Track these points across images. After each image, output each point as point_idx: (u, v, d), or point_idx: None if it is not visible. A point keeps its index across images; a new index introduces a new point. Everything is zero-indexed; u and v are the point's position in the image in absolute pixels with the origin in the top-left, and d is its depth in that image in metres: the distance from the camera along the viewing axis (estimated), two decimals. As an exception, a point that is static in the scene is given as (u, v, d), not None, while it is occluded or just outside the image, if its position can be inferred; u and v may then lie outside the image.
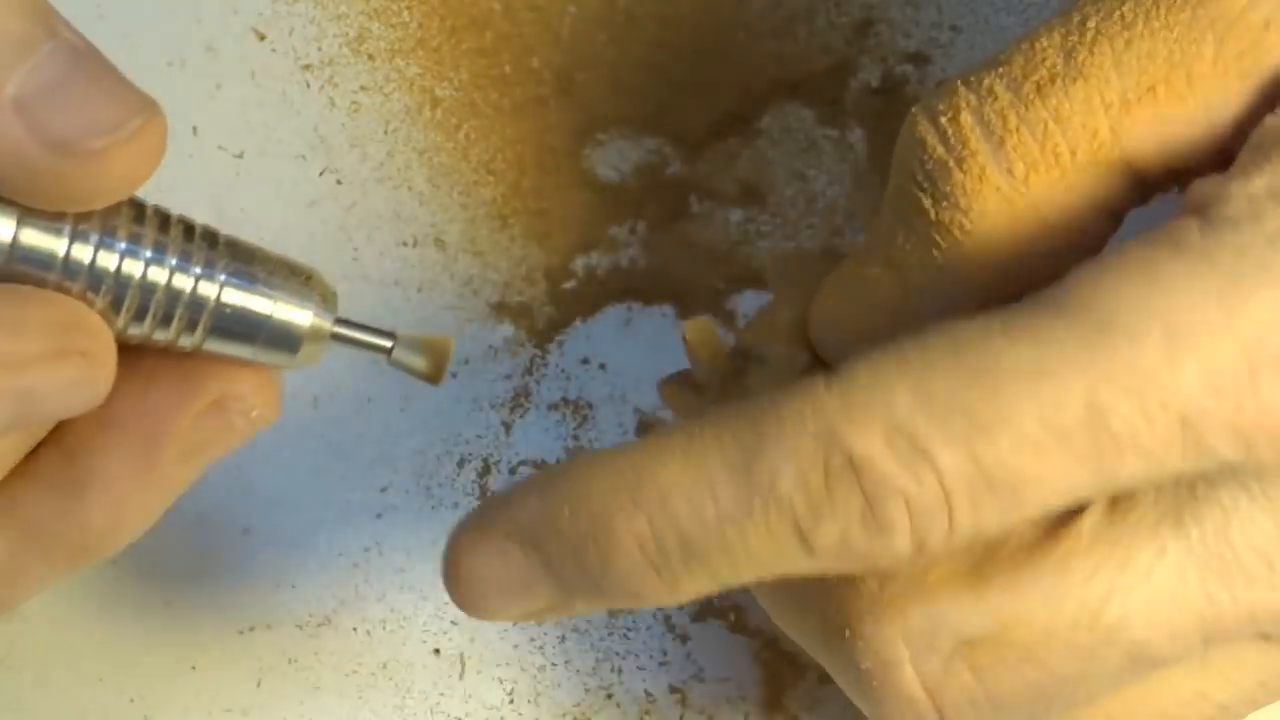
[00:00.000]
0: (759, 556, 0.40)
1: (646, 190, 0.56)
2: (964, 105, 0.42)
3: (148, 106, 0.39)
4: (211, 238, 0.41)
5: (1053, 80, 0.42)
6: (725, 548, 0.40)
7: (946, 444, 0.39)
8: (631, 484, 0.41)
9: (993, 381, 0.39)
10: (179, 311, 0.41)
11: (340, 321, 0.43)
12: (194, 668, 0.53)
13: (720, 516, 0.40)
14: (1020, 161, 0.42)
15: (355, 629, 0.53)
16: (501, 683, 0.53)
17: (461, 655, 0.53)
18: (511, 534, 0.42)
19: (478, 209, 0.56)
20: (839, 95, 0.57)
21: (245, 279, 0.42)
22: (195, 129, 0.57)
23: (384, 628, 0.53)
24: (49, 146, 0.38)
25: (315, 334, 0.42)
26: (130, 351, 0.41)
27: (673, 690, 0.53)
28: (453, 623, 0.53)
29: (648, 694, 0.53)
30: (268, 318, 0.42)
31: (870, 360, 0.40)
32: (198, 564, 0.54)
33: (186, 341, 0.41)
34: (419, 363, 0.44)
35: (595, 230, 0.56)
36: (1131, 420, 0.38)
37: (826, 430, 0.39)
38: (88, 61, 0.39)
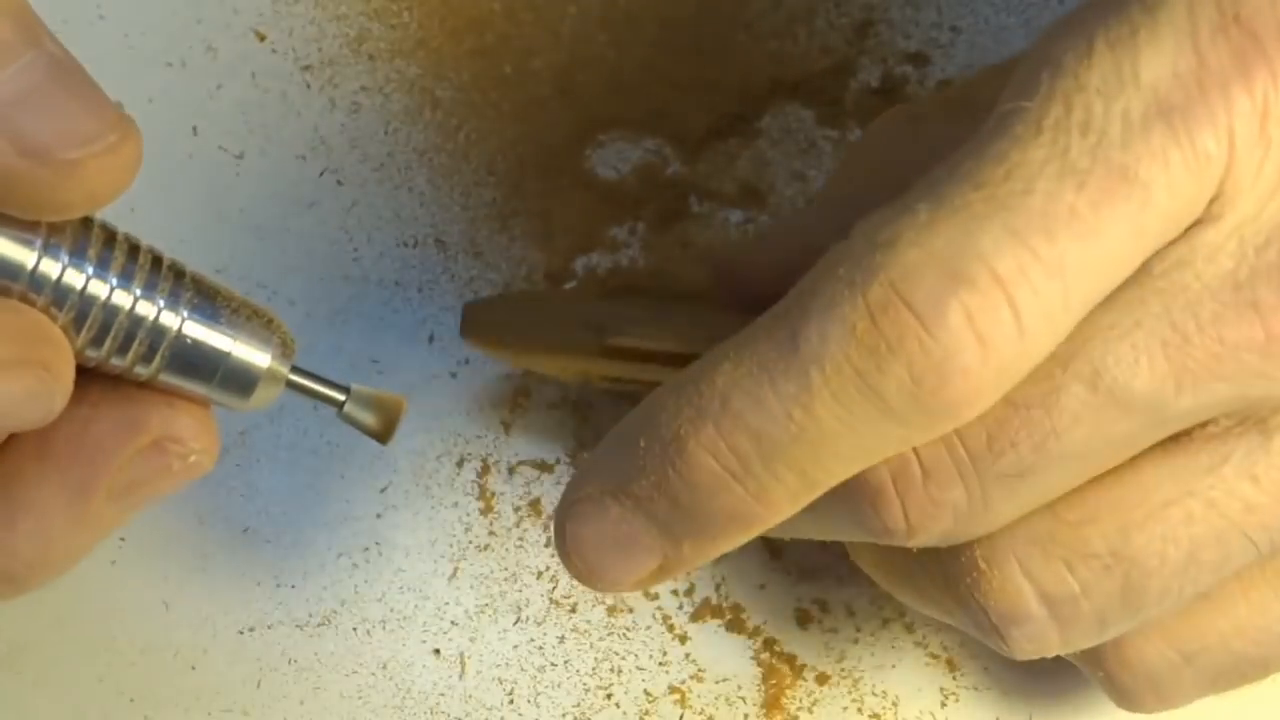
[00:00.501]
0: (836, 435, 0.39)
1: (646, 190, 0.56)
2: None
3: (125, 124, 0.39)
4: (179, 271, 0.41)
5: None
6: (798, 433, 0.39)
7: (976, 231, 0.38)
8: (692, 396, 0.40)
9: (995, 161, 0.39)
10: (139, 337, 0.41)
11: (297, 370, 0.43)
12: (194, 668, 0.53)
13: (781, 399, 0.39)
14: None
15: (355, 629, 0.53)
16: (501, 683, 0.53)
17: (461, 655, 0.53)
18: (604, 487, 0.42)
19: (478, 209, 0.56)
20: (839, 95, 0.57)
21: (208, 314, 0.41)
22: (195, 129, 0.57)
23: (384, 628, 0.53)
24: (23, 153, 0.38)
25: (271, 377, 0.42)
26: (77, 383, 0.41)
27: (672, 690, 0.53)
28: (453, 623, 0.53)
29: (647, 694, 0.53)
30: (226, 355, 0.42)
31: (874, 212, 0.39)
32: (198, 564, 0.54)
33: (142, 370, 0.41)
34: (369, 420, 0.44)
35: (595, 230, 0.56)
36: (1120, 125, 0.38)
37: (859, 271, 0.39)
38: (69, 74, 0.39)
